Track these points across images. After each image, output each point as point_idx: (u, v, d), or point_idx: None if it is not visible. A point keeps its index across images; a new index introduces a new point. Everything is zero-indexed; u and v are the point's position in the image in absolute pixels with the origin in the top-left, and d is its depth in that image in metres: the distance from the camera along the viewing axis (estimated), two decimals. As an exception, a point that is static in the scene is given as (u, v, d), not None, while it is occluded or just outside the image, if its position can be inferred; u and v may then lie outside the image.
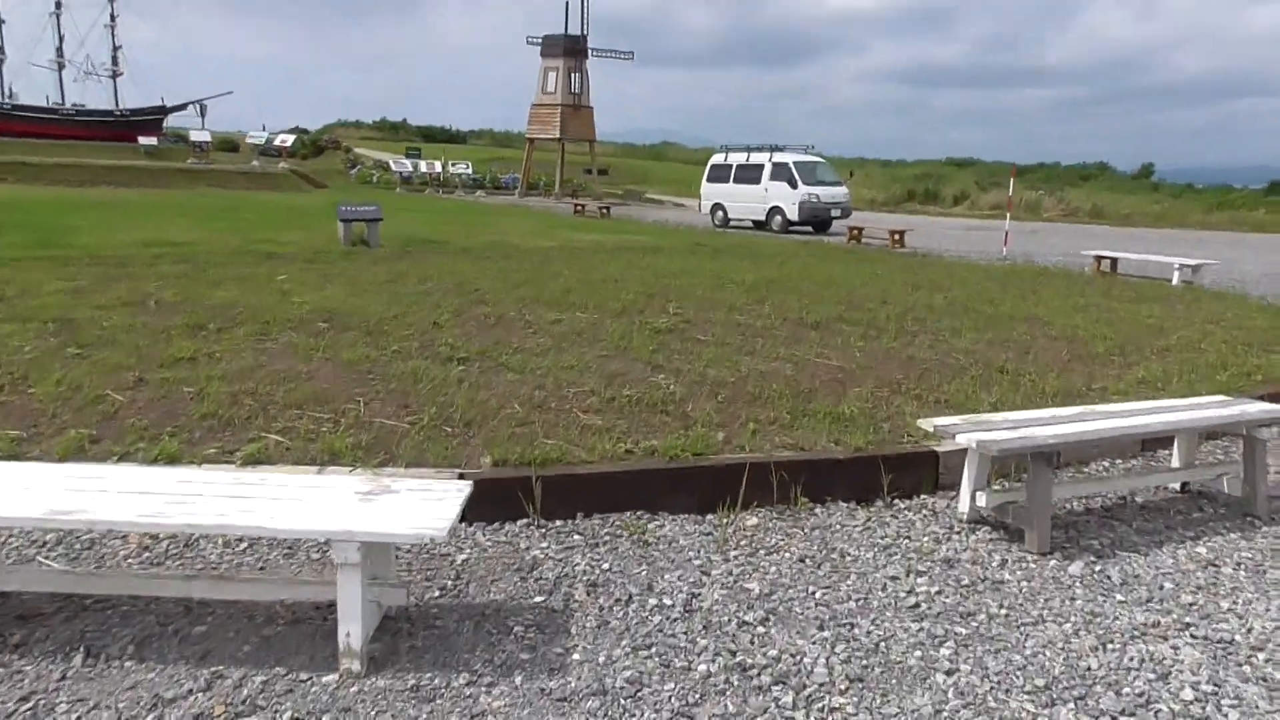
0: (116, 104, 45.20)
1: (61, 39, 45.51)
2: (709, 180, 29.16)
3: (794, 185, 26.09)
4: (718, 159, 29.15)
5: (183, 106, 45.33)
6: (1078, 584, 3.84)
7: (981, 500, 4.30)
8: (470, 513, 4.25)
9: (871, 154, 67.64)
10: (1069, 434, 4.22)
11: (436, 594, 3.60)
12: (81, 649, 3.09)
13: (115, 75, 46.34)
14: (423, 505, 3.14)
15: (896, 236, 20.80)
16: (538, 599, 3.57)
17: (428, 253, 13.73)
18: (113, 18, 46.05)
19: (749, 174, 27.52)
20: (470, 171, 43.50)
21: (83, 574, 3.40)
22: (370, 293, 9.28)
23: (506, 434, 4.82)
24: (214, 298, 8.61)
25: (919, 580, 3.84)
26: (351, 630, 3.00)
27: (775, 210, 26.54)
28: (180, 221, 17.43)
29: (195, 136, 41.65)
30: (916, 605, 3.61)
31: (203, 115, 48.12)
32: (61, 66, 45.79)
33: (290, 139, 44.79)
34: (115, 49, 46.61)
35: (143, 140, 40.04)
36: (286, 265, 11.44)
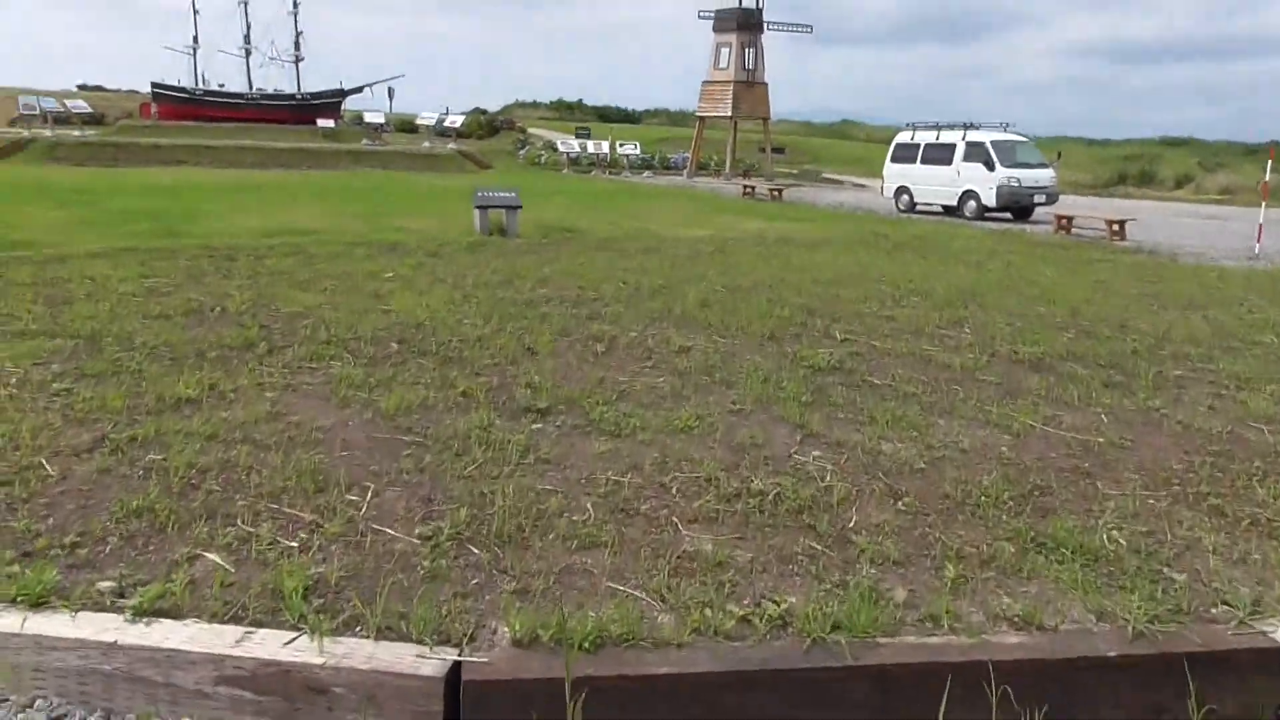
0: (298, 88, 46.51)
1: (249, 27, 47.13)
2: (893, 160, 26.47)
3: (991, 167, 23.15)
4: (903, 137, 26.41)
5: (360, 89, 46.10)
6: None
7: None
8: (465, 736, 2.54)
9: (1068, 133, 61.70)
10: None
11: None
12: None
13: (297, 60, 47.63)
14: None
15: (1115, 227, 17.76)
16: None
17: (562, 245, 12.21)
18: (295, 5, 47.40)
19: (939, 154, 24.70)
20: (638, 151, 42.03)
21: None
22: (473, 299, 7.77)
23: (555, 570, 3.09)
24: (292, 303, 7.31)
25: None
26: None
27: (969, 195, 23.68)
28: (318, 206, 16.69)
29: (370, 118, 42.12)
30: None
31: (390, 98, 48.92)
32: (248, 53, 47.47)
33: (460, 119, 44.67)
34: (297, 34, 47.95)
35: (320, 123, 40.73)
36: (403, 259, 10.16)
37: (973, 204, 23.56)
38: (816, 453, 4.32)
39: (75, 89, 56.01)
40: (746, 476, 3.97)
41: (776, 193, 27.77)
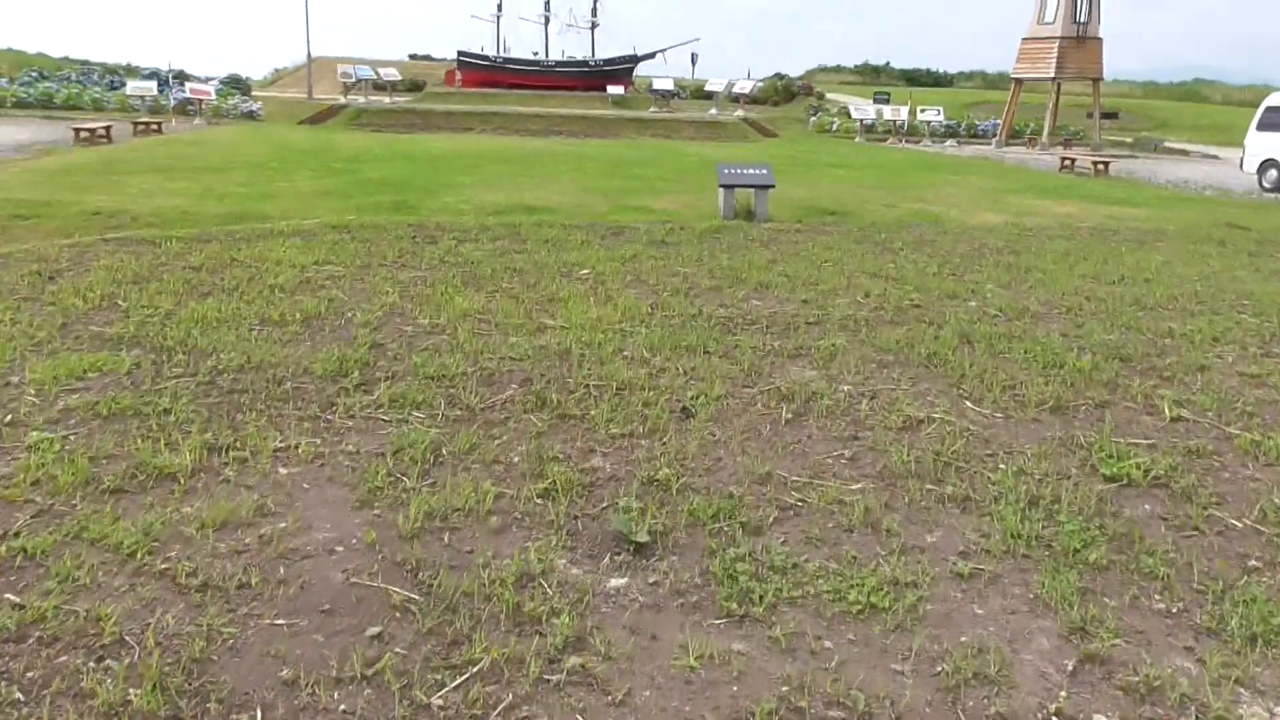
0: (593, 54, 46.51)
1: (549, -6, 47.63)
2: (1260, 128, 21.52)
3: (1403, 137, 18.03)
4: (1276, 99, 21.41)
5: (652, 55, 45.33)
6: None
7: None
8: None
9: None
10: None
11: None
12: None
13: (594, 26, 47.57)
14: None
15: None
16: None
17: (815, 233, 10.18)
18: (593, -30, 47.33)
19: (1326, 120, 19.69)
20: (942, 118, 37.90)
21: None
22: (659, 313, 6.12)
23: None
24: (445, 310, 6.05)
25: None
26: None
27: (1365, 173, 18.67)
28: (572, 179, 15.62)
29: (659, 85, 41.25)
30: None
31: (694, 63, 47.96)
32: (547, 20, 48.01)
33: (750, 85, 42.65)
34: (595, 1, 47.96)
35: (610, 90, 40.33)
36: (620, 248, 8.68)
37: (1371, 184, 18.52)
38: (1101, 718, 2.26)
39: (407, 59, 60.12)
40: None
41: (1101, 165, 23.61)
